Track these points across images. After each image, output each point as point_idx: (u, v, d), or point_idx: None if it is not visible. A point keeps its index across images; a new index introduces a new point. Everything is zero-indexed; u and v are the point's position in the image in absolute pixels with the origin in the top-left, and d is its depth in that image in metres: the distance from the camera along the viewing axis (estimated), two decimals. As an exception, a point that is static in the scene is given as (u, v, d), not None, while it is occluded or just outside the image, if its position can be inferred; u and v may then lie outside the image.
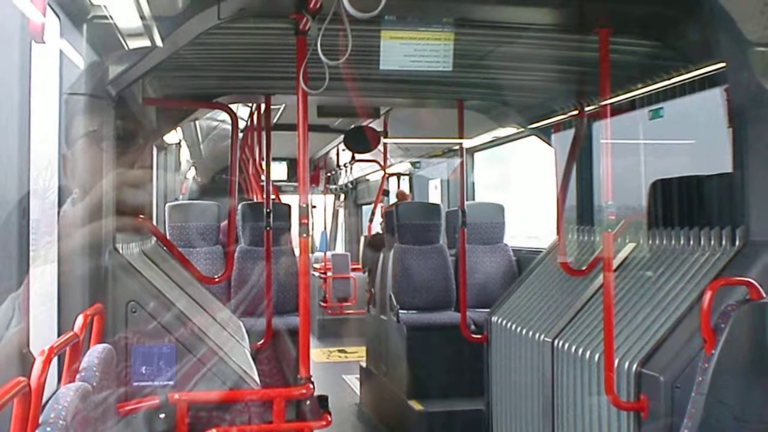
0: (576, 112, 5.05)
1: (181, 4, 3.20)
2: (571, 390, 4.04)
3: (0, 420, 1.79)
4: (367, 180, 13.26)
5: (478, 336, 5.61)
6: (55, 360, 2.21)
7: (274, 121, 6.46)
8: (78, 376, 2.43)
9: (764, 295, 2.85)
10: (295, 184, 12.43)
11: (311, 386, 3.52)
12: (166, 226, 6.84)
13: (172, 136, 8.02)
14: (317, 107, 6.80)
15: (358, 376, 8.27)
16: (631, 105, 4.60)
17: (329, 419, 3.58)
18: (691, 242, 3.79)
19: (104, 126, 3.27)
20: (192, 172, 12.84)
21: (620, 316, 3.77)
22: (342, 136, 8.57)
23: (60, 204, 3.08)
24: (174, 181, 9.66)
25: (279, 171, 12.37)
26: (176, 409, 3.22)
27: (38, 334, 2.61)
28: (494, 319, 5.21)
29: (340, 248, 15.30)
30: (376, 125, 8.29)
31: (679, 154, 5.20)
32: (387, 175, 10.13)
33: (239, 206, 6.94)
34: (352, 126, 8.40)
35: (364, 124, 8.21)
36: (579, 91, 4.94)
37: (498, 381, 5.13)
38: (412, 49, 3.72)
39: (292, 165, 12.49)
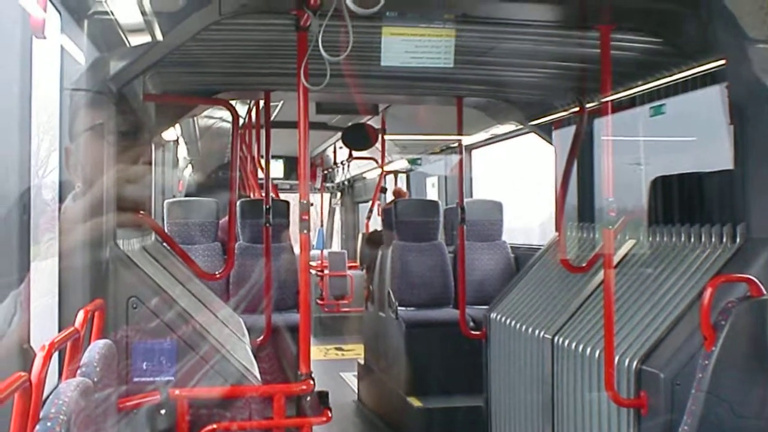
0: (576, 109, 5.05)
1: (181, 0, 3.20)
2: (571, 387, 4.05)
3: (1, 415, 1.79)
4: (364, 178, 13.25)
5: (477, 333, 5.61)
6: (55, 355, 2.21)
7: (272, 118, 6.46)
8: (79, 372, 2.42)
9: (764, 292, 2.85)
10: (292, 182, 12.33)
11: (312, 382, 3.52)
12: (165, 222, 6.83)
13: (170, 133, 8.01)
14: (316, 104, 6.79)
15: (355, 373, 8.27)
16: (632, 102, 4.60)
17: (330, 415, 3.58)
18: (692, 239, 3.79)
19: (105, 122, 3.26)
20: (189, 169, 12.81)
21: (620, 313, 3.77)
22: (340, 134, 8.56)
23: (61, 199, 3.08)
24: (172, 178, 9.64)
25: (276, 169, 12.33)
26: (177, 405, 3.22)
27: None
28: (493, 315, 5.21)
29: (336, 246, 15.30)
30: (374, 122, 8.28)
31: (680, 151, 5.20)
32: (384, 173, 10.12)
33: (238, 203, 6.93)
34: (350, 123, 8.39)
35: (362, 121, 8.20)
36: (579, 88, 4.93)
37: (497, 378, 5.14)
38: (413, 46, 3.72)
39: (289, 163, 12.47)
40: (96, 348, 2.65)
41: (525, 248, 7.17)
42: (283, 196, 10.24)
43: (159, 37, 3.21)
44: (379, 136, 8.35)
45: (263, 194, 5.71)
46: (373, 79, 4.88)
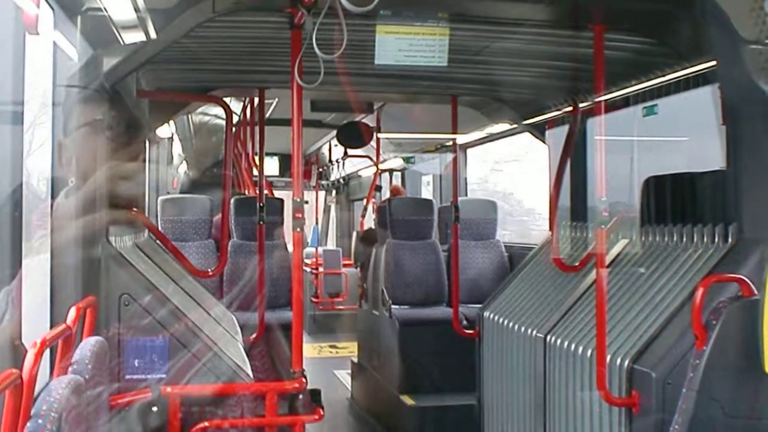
0: (570, 109, 5.06)
1: (175, -3, 3.20)
2: (563, 385, 4.06)
3: (-8, 412, 1.79)
4: (359, 176, 13.24)
5: (470, 331, 5.62)
6: (47, 352, 2.20)
7: (267, 115, 6.45)
8: (70, 369, 2.42)
9: (755, 291, 2.85)
10: (287, 179, 12.30)
11: (304, 380, 3.52)
12: (159, 219, 6.82)
13: (165, 130, 8.00)
14: (311, 102, 6.79)
15: (349, 371, 8.28)
16: (625, 102, 4.61)
17: (322, 413, 3.58)
18: (684, 239, 3.80)
19: (98, 119, 3.26)
20: (183, 167, 12.80)
21: (612, 312, 3.78)
22: (335, 132, 8.56)
23: (53, 195, 3.07)
24: (166, 175, 9.63)
25: (271, 166, 12.33)
26: (169, 402, 3.21)
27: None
28: (486, 314, 5.22)
29: (331, 244, 15.29)
30: (369, 120, 8.28)
31: (672, 151, 5.21)
32: (380, 171, 10.12)
33: (232, 200, 6.93)
34: (345, 121, 8.39)
35: (357, 119, 8.20)
36: (573, 88, 4.94)
37: (490, 376, 5.15)
38: (407, 44, 3.72)
39: (284, 160, 12.45)
40: (88, 345, 2.64)
41: (519, 247, 7.18)
42: (278, 193, 10.25)
43: (153, 34, 3.20)
44: (374, 135, 8.35)
45: (258, 192, 5.71)
46: (367, 77, 4.88)
